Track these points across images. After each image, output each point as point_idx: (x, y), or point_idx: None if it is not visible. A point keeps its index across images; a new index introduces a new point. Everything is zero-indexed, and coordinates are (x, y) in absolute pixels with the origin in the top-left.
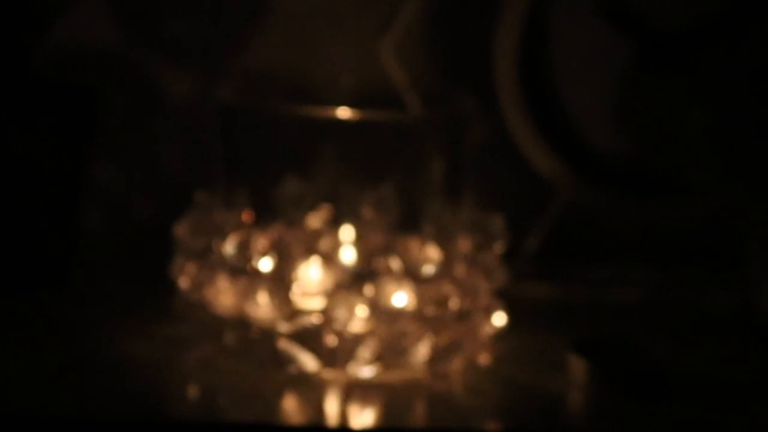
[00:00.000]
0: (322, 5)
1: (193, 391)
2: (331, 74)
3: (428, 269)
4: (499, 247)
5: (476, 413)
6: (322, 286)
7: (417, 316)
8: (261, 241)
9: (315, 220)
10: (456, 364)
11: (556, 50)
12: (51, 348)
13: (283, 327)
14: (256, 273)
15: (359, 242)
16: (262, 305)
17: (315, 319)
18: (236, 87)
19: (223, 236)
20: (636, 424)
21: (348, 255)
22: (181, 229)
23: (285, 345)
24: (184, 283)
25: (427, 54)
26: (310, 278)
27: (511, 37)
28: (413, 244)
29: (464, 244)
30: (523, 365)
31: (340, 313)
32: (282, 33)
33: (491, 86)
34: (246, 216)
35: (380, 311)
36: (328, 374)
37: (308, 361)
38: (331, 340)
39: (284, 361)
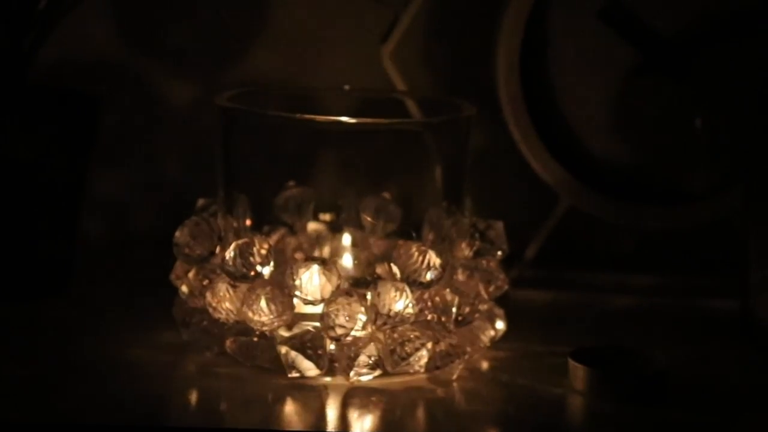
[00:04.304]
0: (322, 12)
1: (193, 397)
2: (331, 81)
3: (428, 275)
4: (499, 254)
5: (476, 419)
6: (322, 292)
7: (417, 322)
8: (262, 248)
9: (316, 226)
10: (456, 370)
11: (556, 56)
12: (51, 354)
13: (284, 333)
14: (257, 279)
15: (360, 249)
16: (263, 311)
17: (315, 325)
18: (236, 94)
19: (224, 242)
20: (635, 430)
21: (348, 261)
22: (182, 236)
23: (285, 351)
24: (184, 289)
25: (427, 60)
26: (311, 284)
27: (512, 43)
28: (414, 251)
29: (464, 251)
30: (522, 371)
31: (340, 319)
32: (283, 40)
33: (492, 92)
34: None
35: (380, 317)
36: (329, 380)
37: (309, 367)
38: (331, 346)
39: (285, 366)
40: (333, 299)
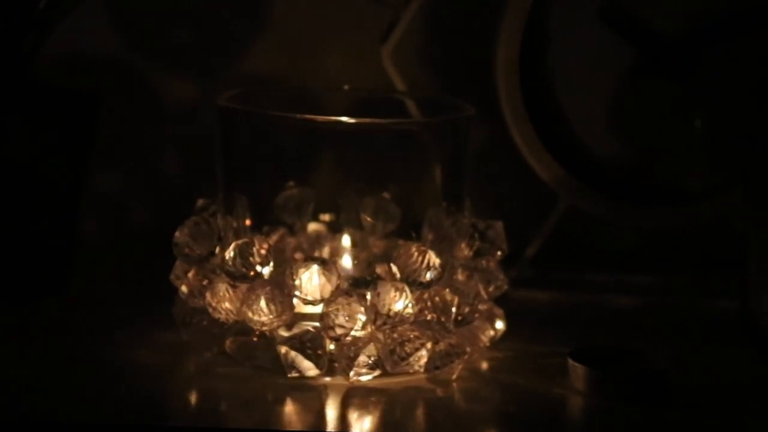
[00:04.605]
0: (322, 12)
1: (193, 397)
2: (331, 81)
3: (428, 275)
4: (499, 254)
5: (476, 419)
6: (322, 292)
7: (417, 322)
8: (261, 248)
9: (315, 226)
10: (456, 370)
11: (555, 56)
12: (50, 354)
13: (284, 333)
14: (257, 279)
15: (359, 249)
16: (263, 311)
17: (315, 325)
18: (236, 94)
19: (224, 243)
20: (635, 430)
21: (348, 261)
22: (182, 235)
23: (285, 351)
24: (184, 289)
25: (427, 60)
26: (311, 284)
27: (511, 44)
28: (413, 251)
29: (464, 251)
30: (522, 371)
31: (340, 319)
32: (282, 39)
33: (491, 92)
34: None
35: (380, 317)
36: (328, 380)
37: (308, 367)
38: (331, 346)
39: (284, 366)
40: (332, 299)
